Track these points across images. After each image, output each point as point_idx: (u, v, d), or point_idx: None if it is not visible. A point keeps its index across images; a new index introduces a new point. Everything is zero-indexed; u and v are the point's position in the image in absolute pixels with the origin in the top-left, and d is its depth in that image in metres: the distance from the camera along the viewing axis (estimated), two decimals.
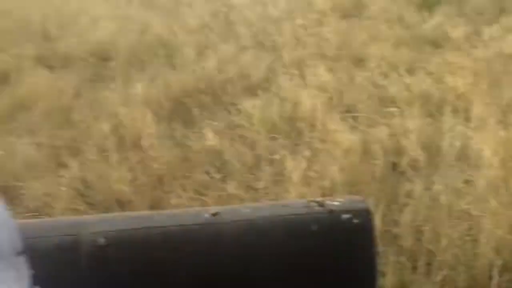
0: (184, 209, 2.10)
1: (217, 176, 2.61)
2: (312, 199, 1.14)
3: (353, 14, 5.74)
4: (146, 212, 1.92)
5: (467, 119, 2.87)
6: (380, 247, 2.01)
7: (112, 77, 3.78)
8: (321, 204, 1.11)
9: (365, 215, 1.09)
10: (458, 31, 4.43)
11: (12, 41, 4.61)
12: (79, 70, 3.87)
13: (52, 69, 3.95)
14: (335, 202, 1.11)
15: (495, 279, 1.69)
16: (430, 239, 1.95)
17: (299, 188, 2.51)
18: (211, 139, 2.93)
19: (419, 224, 2.08)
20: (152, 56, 4.31)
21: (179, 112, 3.41)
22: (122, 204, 2.25)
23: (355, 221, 1.06)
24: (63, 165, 2.55)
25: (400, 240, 2.05)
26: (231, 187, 2.48)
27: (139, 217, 1.24)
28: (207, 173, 2.64)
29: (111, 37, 4.60)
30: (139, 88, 3.42)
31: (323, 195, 2.34)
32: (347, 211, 1.08)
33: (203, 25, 5.64)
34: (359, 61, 4.18)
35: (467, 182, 2.27)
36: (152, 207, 2.28)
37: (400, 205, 2.27)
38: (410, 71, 3.73)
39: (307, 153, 2.78)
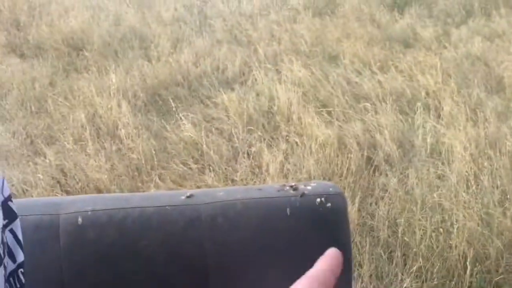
0: (160, 191, 2.10)
1: (195, 167, 2.62)
2: (285, 183, 1.18)
3: (325, 12, 5.83)
4: (123, 194, 1.91)
5: (438, 116, 2.97)
6: (357, 239, 2.08)
7: (86, 67, 3.71)
8: (294, 188, 1.14)
9: (338, 199, 1.12)
10: (428, 32, 4.57)
11: None
12: (52, 59, 3.79)
13: (25, 58, 3.85)
14: (308, 187, 1.15)
15: (469, 269, 1.76)
16: (405, 231, 2.02)
17: (276, 180, 2.55)
18: (188, 130, 2.93)
19: (394, 216, 2.14)
20: (126, 47, 4.26)
21: (155, 103, 3.39)
22: (100, 193, 2.23)
23: (328, 204, 1.09)
24: (39, 154, 2.51)
25: (376, 232, 2.11)
26: (209, 178, 2.50)
27: (116, 198, 1.25)
28: (185, 164, 2.65)
29: (84, 27, 4.52)
30: (114, 78, 3.38)
31: None
32: (320, 195, 1.11)
33: (177, 18, 5.61)
34: (333, 58, 4.26)
35: (439, 176, 2.36)
36: None
37: (376, 198, 2.34)
38: (382, 69, 3.83)
39: (283, 146, 2.82)
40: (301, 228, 1.12)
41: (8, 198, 0.65)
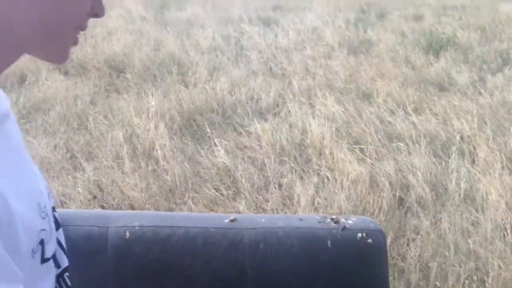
0: (204, 213, 2.13)
1: (227, 193, 2.65)
2: (326, 215, 1.19)
3: (360, 51, 5.90)
4: (168, 212, 1.94)
5: (473, 162, 2.95)
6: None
7: (126, 88, 3.83)
8: (335, 221, 1.15)
9: (379, 235, 1.13)
10: (463, 77, 4.57)
11: None
12: (94, 79, 3.93)
13: (69, 76, 4.00)
14: (349, 221, 1.15)
15: None
16: (437, 275, 1.99)
17: (306, 213, 2.55)
18: (221, 157, 2.98)
19: (426, 259, 2.11)
20: (165, 72, 4.38)
21: (191, 128, 3.47)
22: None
23: (369, 240, 1.10)
24: (78, 168, 2.58)
25: (407, 274, 2.08)
26: (241, 206, 2.52)
27: (162, 216, 1.28)
28: (217, 189, 2.68)
29: (125, 50, 4.68)
30: (152, 101, 3.47)
31: None
32: (361, 230, 1.11)
33: (215, 47, 5.75)
34: (367, 96, 4.29)
35: (473, 223, 2.32)
36: None
37: (407, 240, 2.31)
38: (417, 110, 3.83)
39: (315, 179, 2.83)
40: (341, 261, 1.12)
41: (53, 209, 0.69)
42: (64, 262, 0.71)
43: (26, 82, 3.84)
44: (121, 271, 1.10)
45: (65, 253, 0.72)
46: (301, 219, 1.23)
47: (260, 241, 1.12)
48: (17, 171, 0.56)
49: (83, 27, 0.56)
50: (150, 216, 1.27)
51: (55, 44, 0.53)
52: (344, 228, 1.14)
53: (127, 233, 1.12)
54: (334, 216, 1.19)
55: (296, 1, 9.67)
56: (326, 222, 1.17)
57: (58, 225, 0.70)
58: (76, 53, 4.48)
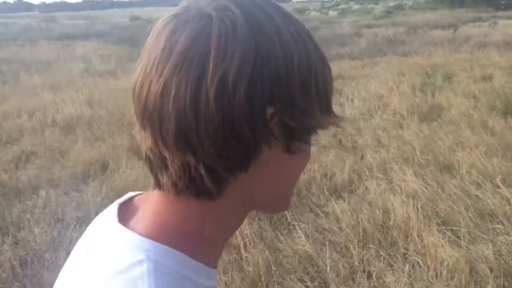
0: None
1: (313, 285, 2.50)
2: None
3: (432, 117, 5.70)
4: None
5: None
6: None
7: None
8: None
9: None
10: None
11: (108, 132, 4.91)
12: None
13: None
14: None
15: None
16: None
17: None
18: (302, 243, 2.86)
19: None
20: None
21: None
22: None
23: None
24: None
25: None
26: None
27: None
28: (302, 280, 2.55)
29: None
30: None
31: None
32: None
33: None
34: (447, 168, 4.06)
35: None
36: None
37: None
38: (507, 182, 3.56)
39: (406, 267, 2.63)
40: None
41: None
42: None
43: (108, 170, 3.98)
44: None
45: None
46: None
47: None
48: None
49: None
50: None
51: (283, 204, 0.56)
52: None
53: None
54: None
55: (357, 70, 9.70)
56: None
57: None
58: None
